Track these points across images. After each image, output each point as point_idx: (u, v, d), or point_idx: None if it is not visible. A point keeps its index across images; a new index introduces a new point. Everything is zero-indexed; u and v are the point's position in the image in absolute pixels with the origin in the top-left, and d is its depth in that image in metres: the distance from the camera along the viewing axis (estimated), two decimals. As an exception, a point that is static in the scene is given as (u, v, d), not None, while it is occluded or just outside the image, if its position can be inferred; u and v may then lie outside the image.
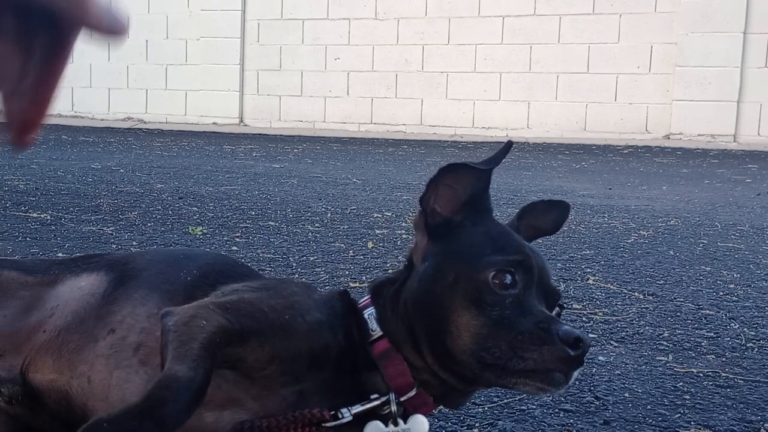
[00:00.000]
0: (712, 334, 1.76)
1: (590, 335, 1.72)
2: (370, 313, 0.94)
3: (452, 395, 0.93)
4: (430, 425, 0.97)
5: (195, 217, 3.11)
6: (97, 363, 0.99)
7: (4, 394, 1.02)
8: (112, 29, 0.60)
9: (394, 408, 0.90)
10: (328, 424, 0.87)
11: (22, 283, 1.11)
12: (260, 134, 7.97)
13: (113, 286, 1.07)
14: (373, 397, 0.90)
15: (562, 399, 1.35)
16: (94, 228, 2.82)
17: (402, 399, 0.90)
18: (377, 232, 2.90)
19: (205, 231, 2.82)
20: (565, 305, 0.91)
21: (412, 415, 0.91)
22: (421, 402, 0.92)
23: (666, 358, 1.58)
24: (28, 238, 2.60)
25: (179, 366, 0.82)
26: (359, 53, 8.17)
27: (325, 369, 0.91)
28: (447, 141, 7.38)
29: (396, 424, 0.90)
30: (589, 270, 2.34)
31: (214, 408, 0.89)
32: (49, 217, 2.99)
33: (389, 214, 3.33)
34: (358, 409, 0.89)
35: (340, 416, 0.88)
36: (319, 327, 0.92)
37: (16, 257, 2.27)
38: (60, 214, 3.08)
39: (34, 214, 3.04)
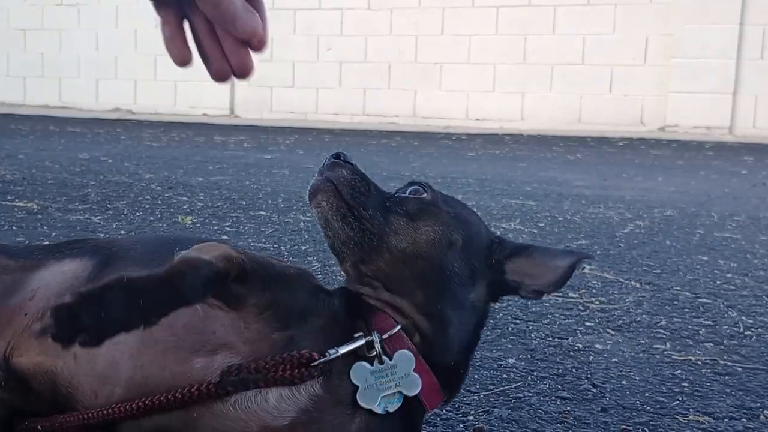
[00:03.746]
0: (709, 322, 1.73)
1: (587, 324, 1.69)
2: None
3: (435, 349, 0.93)
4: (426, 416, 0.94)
5: (184, 207, 3.06)
6: None
7: None
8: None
9: (378, 347, 0.90)
10: (316, 363, 0.87)
11: (3, 266, 1.08)
12: (251, 125, 7.90)
13: (98, 268, 1.05)
14: (357, 335, 0.91)
15: (559, 387, 1.32)
16: (81, 217, 2.77)
17: (384, 336, 0.91)
18: (370, 221, 2.86)
19: (194, 220, 2.78)
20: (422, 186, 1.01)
21: (398, 351, 0.91)
22: (401, 343, 0.92)
23: (664, 346, 1.55)
24: (14, 228, 2.56)
25: (199, 253, 0.86)
26: (352, 43, 8.10)
27: (318, 318, 0.93)
28: (440, 133, 7.34)
29: (381, 362, 0.90)
30: (585, 259, 2.31)
31: (206, 353, 0.89)
32: (35, 207, 2.94)
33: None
34: (344, 348, 0.89)
35: (328, 355, 0.88)
36: (320, 288, 0.96)
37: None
38: (47, 203, 3.03)
39: (21, 204, 2.99)
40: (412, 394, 0.90)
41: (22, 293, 1.05)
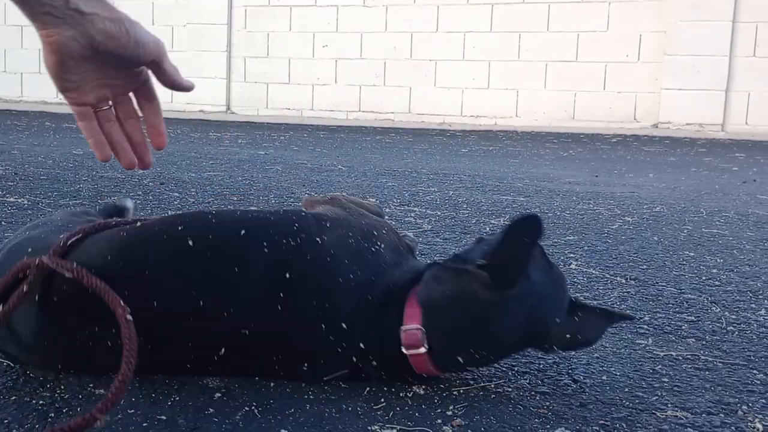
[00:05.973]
0: (693, 318, 1.74)
1: (570, 319, 1.70)
2: None
3: None
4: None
5: (175, 203, 3.06)
6: None
7: None
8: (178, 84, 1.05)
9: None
10: None
11: None
12: (247, 122, 7.90)
13: None
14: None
15: (540, 382, 1.33)
16: (71, 213, 2.77)
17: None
18: (360, 217, 2.86)
19: (185, 216, 2.78)
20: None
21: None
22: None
23: (646, 342, 1.56)
24: (3, 223, 2.56)
25: None
26: (347, 40, 8.11)
27: None
28: (435, 129, 7.35)
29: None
30: (572, 255, 2.32)
31: None
32: (26, 202, 2.94)
33: (373, 200, 3.30)
34: None
35: None
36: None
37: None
38: (38, 198, 3.03)
39: (11, 199, 2.99)
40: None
41: None
